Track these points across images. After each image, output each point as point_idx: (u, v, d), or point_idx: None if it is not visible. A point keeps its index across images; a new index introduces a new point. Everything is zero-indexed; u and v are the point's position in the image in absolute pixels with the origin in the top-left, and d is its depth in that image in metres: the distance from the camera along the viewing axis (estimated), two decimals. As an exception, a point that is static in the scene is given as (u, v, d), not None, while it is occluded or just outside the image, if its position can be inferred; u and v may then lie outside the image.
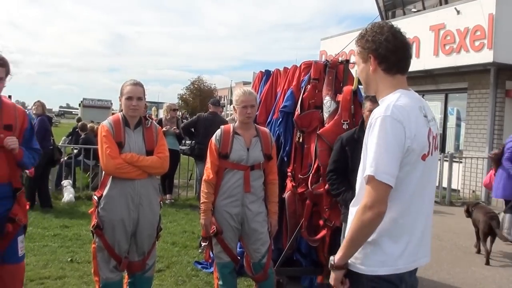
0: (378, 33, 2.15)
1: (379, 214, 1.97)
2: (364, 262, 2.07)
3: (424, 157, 2.08)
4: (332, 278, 2.11)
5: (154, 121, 3.84)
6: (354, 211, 2.08)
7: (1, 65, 3.32)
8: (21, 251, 3.46)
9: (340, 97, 4.55)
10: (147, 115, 3.93)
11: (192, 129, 8.45)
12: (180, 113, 30.86)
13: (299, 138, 4.76)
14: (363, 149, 2.13)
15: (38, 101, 8.46)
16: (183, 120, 11.12)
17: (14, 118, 3.42)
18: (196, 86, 50.28)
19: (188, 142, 8.38)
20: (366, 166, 2.01)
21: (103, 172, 3.69)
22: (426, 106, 2.21)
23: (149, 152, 3.63)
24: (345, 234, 2.17)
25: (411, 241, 2.10)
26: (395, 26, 2.21)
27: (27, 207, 3.59)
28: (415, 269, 2.21)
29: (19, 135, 3.41)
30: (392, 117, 1.99)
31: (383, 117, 2.00)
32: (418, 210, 2.12)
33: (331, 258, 2.11)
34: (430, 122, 2.16)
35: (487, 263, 6.35)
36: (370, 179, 1.98)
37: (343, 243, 2.08)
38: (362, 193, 2.06)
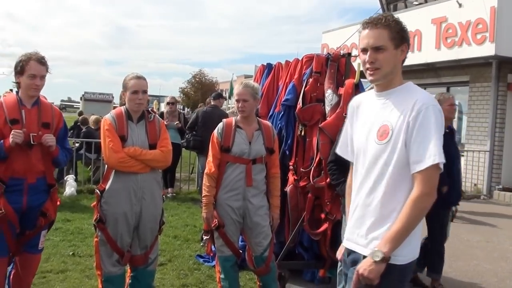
0: (404, 25, 2.17)
1: (434, 200, 2.02)
2: (399, 253, 2.05)
3: None
4: (374, 271, 2.02)
5: (157, 115, 3.83)
6: (393, 207, 2.07)
7: (43, 63, 3.41)
8: (41, 244, 3.59)
9: (342, 90, 4.53)
10: (149, 108, 3.91)
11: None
12: (187, 109, 30.43)
13: (301, 131, 4.75)
14: (400, 134, 2.07)
15: None
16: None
17: (51, 117, 3.52)
18: (197, 79, 50.04)
19: (187, 136, 8.36)
20: (426, 154, 1.98)
21: (105, 166, 3.69)
22: None
23: (152, 146, 3.62)
24: (385, 225, 2.11)
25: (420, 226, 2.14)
26: None
27: (58, 203, 3.67)
28: None
29: (53, 134, 3.49)
30: (438, 106, 2.06)
31: (434, 106, 2.04)
32: None
33: (378, 250, 2.03)
34: None
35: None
36: (434, 167, 1.98)
37: (391, 234, 2.02)
38: (392, 184, 2.07)
